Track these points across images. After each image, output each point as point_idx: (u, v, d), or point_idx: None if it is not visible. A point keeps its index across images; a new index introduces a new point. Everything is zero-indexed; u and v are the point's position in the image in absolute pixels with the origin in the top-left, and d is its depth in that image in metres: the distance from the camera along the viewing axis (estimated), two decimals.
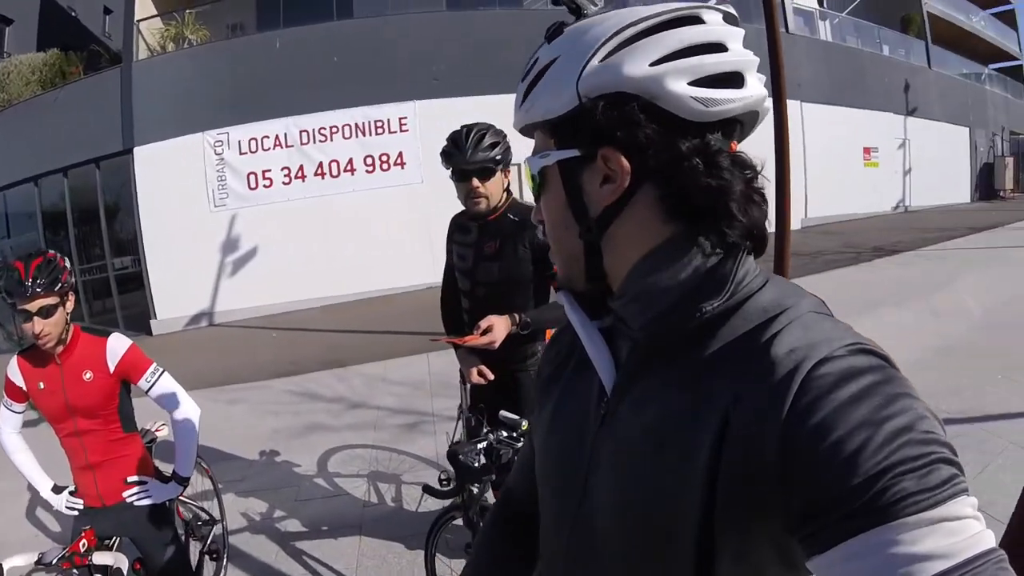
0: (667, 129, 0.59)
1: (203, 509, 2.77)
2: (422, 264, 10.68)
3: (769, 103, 0.63)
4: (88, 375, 1.99)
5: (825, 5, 16.46)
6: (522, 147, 0.97)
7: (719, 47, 0.60)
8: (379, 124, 10.76)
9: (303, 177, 10.60)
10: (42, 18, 15.36)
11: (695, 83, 0.58)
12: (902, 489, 0.45)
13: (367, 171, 10.76)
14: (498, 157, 2.17)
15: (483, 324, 2.03)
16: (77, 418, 2.01)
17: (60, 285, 1.89)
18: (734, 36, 0.62)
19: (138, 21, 10.65)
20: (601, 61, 0.61)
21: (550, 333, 2.47)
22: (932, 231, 12.21)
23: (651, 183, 0.61)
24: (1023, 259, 9.07)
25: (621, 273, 0.66)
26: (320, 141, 10.62)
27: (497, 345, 2.03)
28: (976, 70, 21.92)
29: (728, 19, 0.63)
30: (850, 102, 15.31)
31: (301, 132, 10.53)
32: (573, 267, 0.70)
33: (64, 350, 1.97)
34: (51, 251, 1.94)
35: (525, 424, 1.92)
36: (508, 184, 2.26)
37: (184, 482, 2.21)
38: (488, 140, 2.15)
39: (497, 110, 10.68)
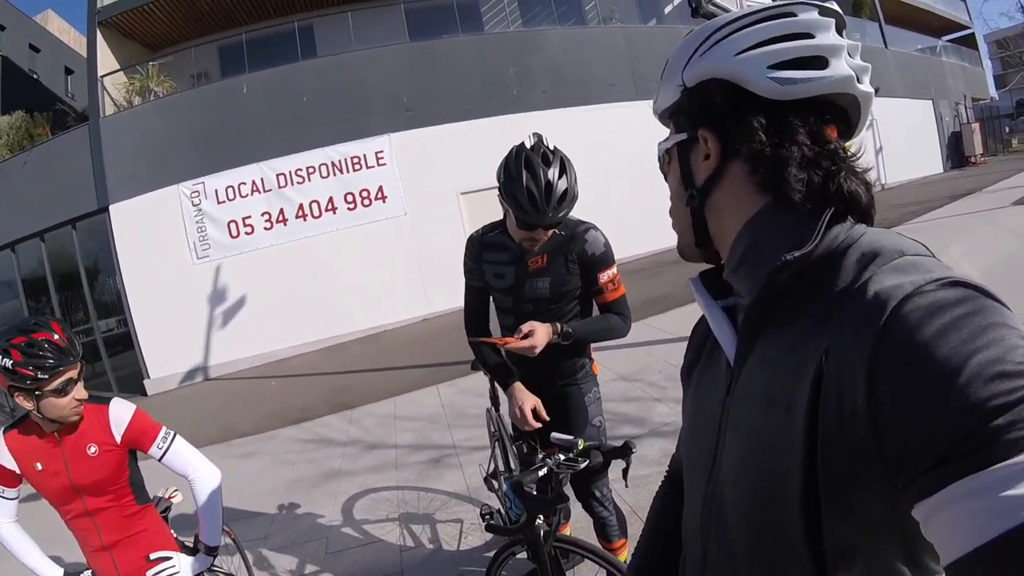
0: (747, 107, 0.65)
1: (231, 575, 2.58)
2: (414, 296, 10.57)
3: (868, 88, 0.66)
4: (93, 449, 1.80)
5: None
6: None
7: (805, 36, 0.65)
8: (356, 160, 10.72)
9: (284, 221, 10.49)
10: (4, 82, 15.16)
11: (776, 66, 0.64)
12: (993, 429, 0.42)
13: (348, 208, 10.68)
14: (572, 208, 1.95)
15: (524, 328, 1.94)
16: (85, 497, 1.82)
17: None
18: (823, 26, 0.65)
19: (102, 76, 10.51)
20: (701, 55, 0.69)
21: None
22: (913, 204, 12.33)
23: (741, 158, 0.67)
24: (1007, 220, 9.16)
25: (727, 242, 0.71)
26: (298, 183, 10.54)
27: (537, 352, 1.94)
28: (930, 44, 22.45)
29: (824, 13, 0.66)
30: None
31: (278, 175, 10.44)
32: (686, 235, 0.76)
33: (63, 425, 1.78)
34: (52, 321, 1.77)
35: (581, 443, 1.81)
36: None
37: (213, 552, 2.03)
38: (569, 196, 1.90)
39: (473, 135, 10.67)
